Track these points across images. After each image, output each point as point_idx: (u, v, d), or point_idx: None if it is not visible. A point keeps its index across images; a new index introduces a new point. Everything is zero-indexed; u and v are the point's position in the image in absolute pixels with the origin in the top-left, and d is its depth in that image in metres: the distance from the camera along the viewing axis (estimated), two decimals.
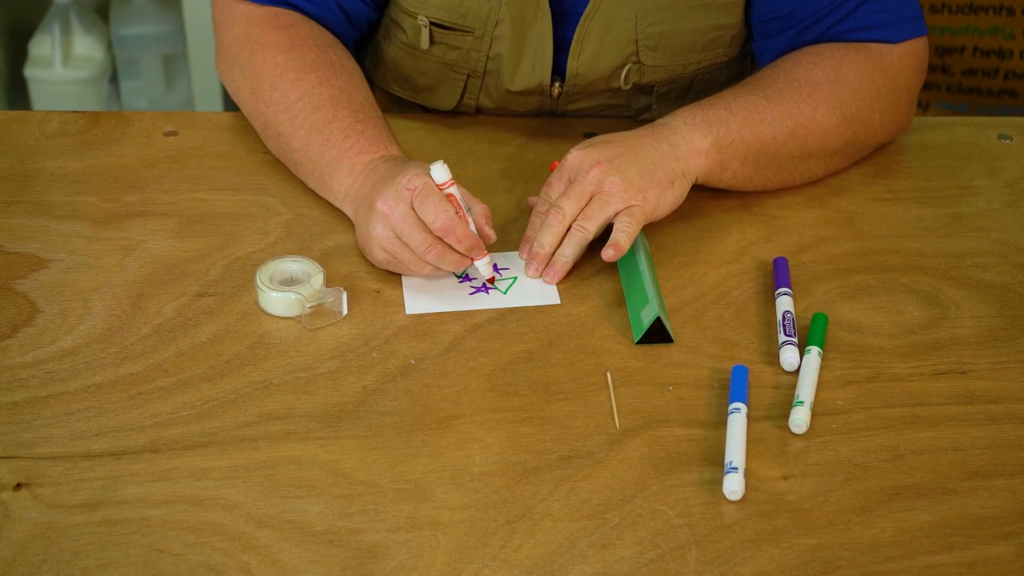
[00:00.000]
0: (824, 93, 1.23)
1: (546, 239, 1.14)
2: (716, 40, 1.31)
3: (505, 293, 1.13)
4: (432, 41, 1.31)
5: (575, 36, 1.28)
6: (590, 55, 1.29)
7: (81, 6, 2.41)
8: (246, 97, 1.26)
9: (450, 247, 1.09)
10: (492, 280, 1.13)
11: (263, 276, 1.11)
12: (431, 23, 1.29)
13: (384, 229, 1.09)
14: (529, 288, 1.14)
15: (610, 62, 1.30)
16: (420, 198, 1.07)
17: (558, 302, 1.12)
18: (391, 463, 0.97)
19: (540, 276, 1.15)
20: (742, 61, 1.38)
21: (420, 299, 1.12)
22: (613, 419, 1.01)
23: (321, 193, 1.21)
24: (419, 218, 1.08)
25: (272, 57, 1.24)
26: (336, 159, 1.18)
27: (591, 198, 1.13)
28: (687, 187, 1.17)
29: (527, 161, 1.31)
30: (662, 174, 1.15)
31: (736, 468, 0.95)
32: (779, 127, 1.21)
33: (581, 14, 1.26)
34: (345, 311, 1.10)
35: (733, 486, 0.94)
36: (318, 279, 1.10)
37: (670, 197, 1.16)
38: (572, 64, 1.30)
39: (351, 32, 1.33)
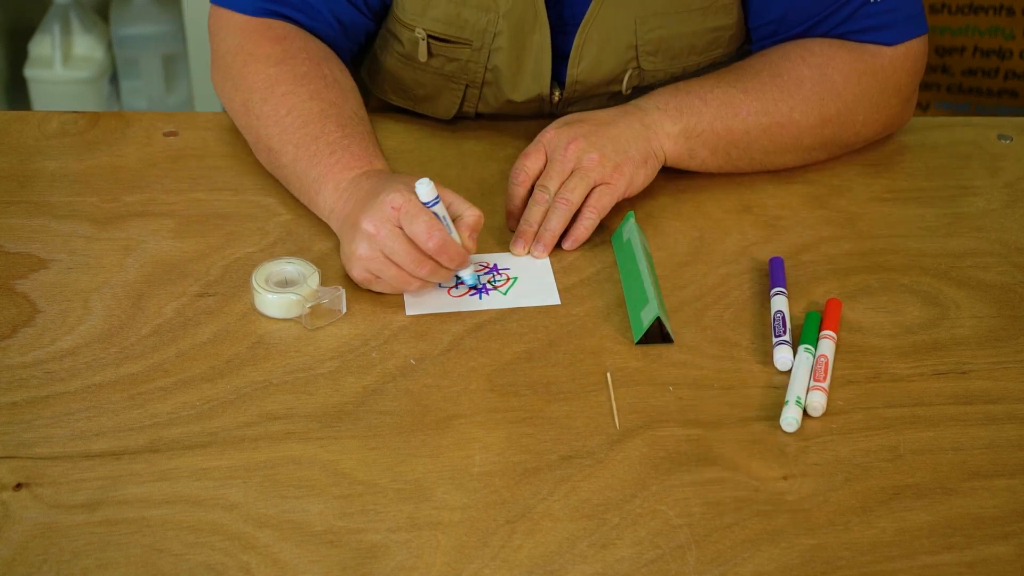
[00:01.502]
0: (806, 92, 1.24)
1: (533, 217, 1.18)
2: (714, 41, 1.31)
3: (505, 294, 1.13)
4: (430, 54, 1.30)
5: (575, 44, 1.27)
6: (590, 62, 1.29)
7: (81, 6, 2.41)
8: (237, 109, 1.25)
9: (440, 264, 1.08)
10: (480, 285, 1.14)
11: (259, 278, 1.11)
12: (429, 36, 1.29)
13: (369, 249, 1.08)
14: (529, 289, 1.14)
15: (610, 68, 1.29)
16: (408, 217, 1.06)
17: (558, 302, 1.12)
18: (391, 463, 0.97)
19: (527, 252, 1.17)
20: (739, 59, 1.37)
21: (420, 300, 1.12)
22: (613, 419, 1.01)
23: (311, 208, 1.20)
24: (407, 236, 1.07)
25: (264, 69, 1.23)
26: (322, 175, 1.17)
27: (572, 173, 1.18)
28: (658, 167, 1.23)
29: None
30: (636, 152, 1.20)
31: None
32: (752, 123, 1.24)
33: (579, 23, 1.26)
34: (344, 309, 1.10)
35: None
36: (314, 279, 1.10)
37: (643, 175, 1.21)
38: (572, 72, 1.29)
39: (347, 44, 1.32)
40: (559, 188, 1.18)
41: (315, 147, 1.18)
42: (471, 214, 1.11)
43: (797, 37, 1.29)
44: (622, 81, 1.30)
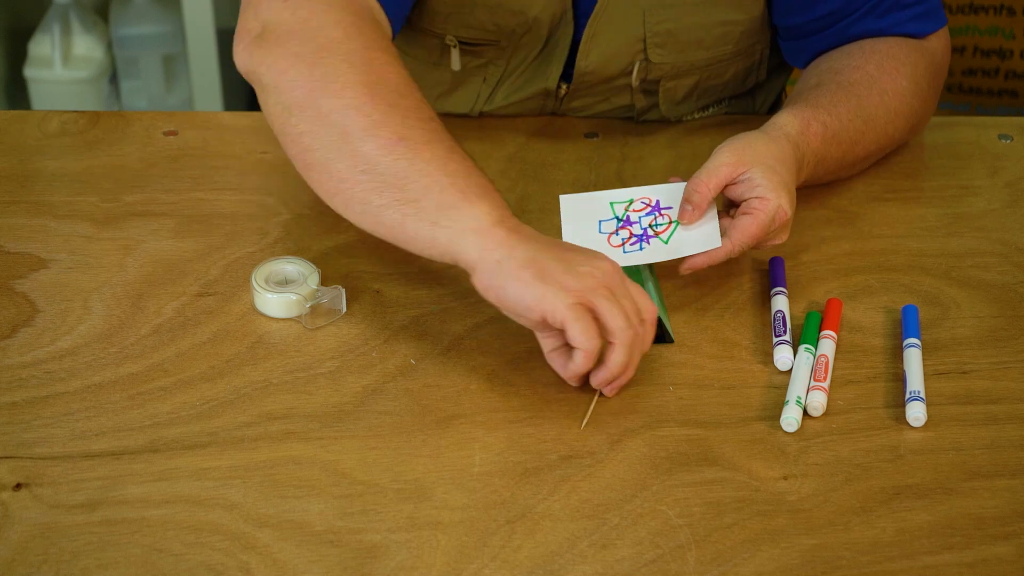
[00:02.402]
0: (906, 106, 1.25)
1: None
2: (725, 36, 1.30)
3: (667, 243, 1.09)
4: (460, 54, 1.30)
5: (584, 37, 1.27)
6: (599, 55, 1.28)
7: (81, 6, 2.41)
8: (349, 82, 1.03)
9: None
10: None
11: (259, 278, 1.11)
12: (460, 41, 1.29)
13: (589, 280, 0.96)
14: (690, 234, 1.10)
15: (619, 61, 1.29)
16: (623, 286, 0.97)
17: (719, 244, 1.09)
18: (391, 463, 0.97)
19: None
20: (750, 56, 1.36)
21: (579, 237, 1.09)
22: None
23: (413, 207, 0.99)
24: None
25: (394, 62, 1.06)
26: (483, 185, 1.00)
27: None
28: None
29: (528, 161, 1.31)
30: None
31: (922, 397, 1.01)
32: (864, 152, 1.25)
33: (590, 15, 1.26)
34: (344, 308, 1.10)
35: (918, 412, 1.00)
36: (314, 278, 1.10)
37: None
38: (580, 64, 1.29)
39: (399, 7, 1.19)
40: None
41: (467, 162, 1.02)
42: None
43: (842, 32, 1.28)
44: (631, 74, 1.30)
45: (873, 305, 1.14)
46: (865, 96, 1.22)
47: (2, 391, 1.02)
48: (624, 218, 1.12)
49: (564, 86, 1.32)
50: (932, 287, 1.16)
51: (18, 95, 2.48)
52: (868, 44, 1.27)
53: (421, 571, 0.89)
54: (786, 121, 1.16)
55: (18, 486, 0.94)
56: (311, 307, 1.09)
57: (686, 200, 1.10)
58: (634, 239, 1.11)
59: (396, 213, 1.00)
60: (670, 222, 1.11)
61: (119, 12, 2.42)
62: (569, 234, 1.11)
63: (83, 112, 1.36)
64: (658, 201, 1.12)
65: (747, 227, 1.08)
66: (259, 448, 0.98)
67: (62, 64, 2.38)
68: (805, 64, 1.33)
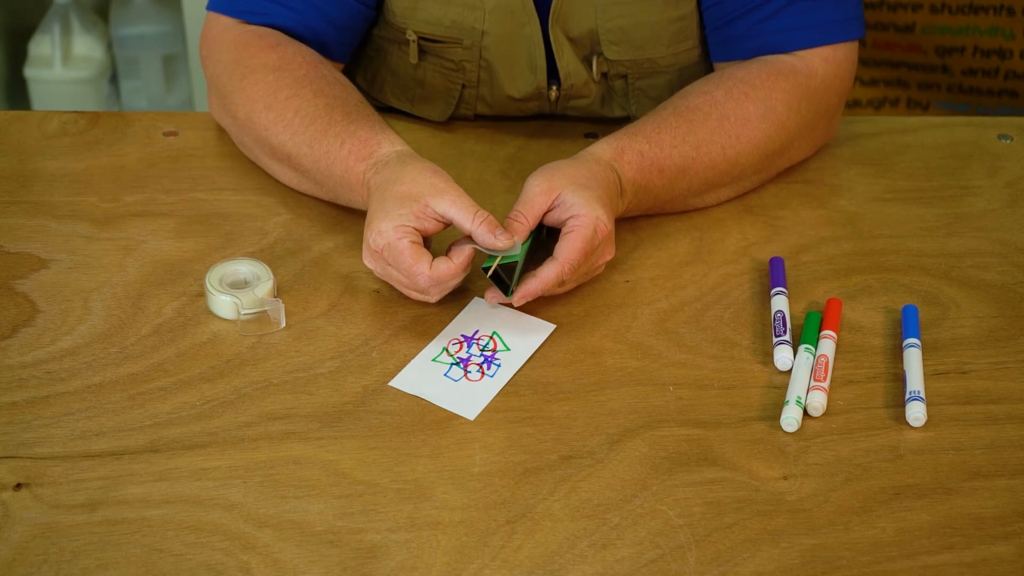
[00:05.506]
0: (752, 131, 1.21)
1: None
2: (681, 32, 1.30)
3: (509, 349, 1.07)
4: (422, 52, 1.30)
5: (551, 36, 1.27)
6: (567, 54, 1.29)
7: (81, 6, 2.41)
8: (243, 123, 1.23)
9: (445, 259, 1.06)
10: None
11: (212, 279, 1.10)
12: (420, 37, 1.29)
13: (376, 269, 1.10)
14: (517, 324, 1.09)
15: (582, 59, 1.29)
16: (392, 259, 1.06)
17: (553, 327, 1.09)
18: (391, 463, 0.97)
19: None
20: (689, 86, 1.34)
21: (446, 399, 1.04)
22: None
23: (352, 205, 1.19)
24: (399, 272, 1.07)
25: (263, 77, 1.22)
26: (343, 173, 1.15)
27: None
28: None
29: (527, 162, 1.31)
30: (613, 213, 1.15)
31: (922, 397, 1.01)
32: (699, 180, 1.21)
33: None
34: (283, 323, 1.09)
35: (918, 412, 1.00)
36: (264, 287, 1.09)
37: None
38: (560, 64, 1.29)
39: (344, 38, 1.30)
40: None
41: (327, 144, 1.16)
42: (480, 222, 1.05)
43: (735, 24, 1.27)
44: (592, 69, 1.30)
45: (873, 305, 1.14)
46: (700, 122, 1.20)
47: (2, 391, 1.02)
48: (457, 361, 1.06)
49: (555, 88, 1.32)
50: (932, 287, 1.16)
51: (18, 95, 2.48)
52: (729, 71, 1.25)
53: (421, 571, 0.89)
54: (599, 148, 1.16)
55: (18, 486, 0.94)
56: (248, 315, 1.08)
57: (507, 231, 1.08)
58: (486, 363, 1.06)
59: (333, 197, 1.20)
60: (491, 336, 1.08)
61: (119, 12, 2.42)
62: (443, 400, 1.03)
63: (83, 112, 1.36)
64: (463, 334, 1.08)
65: (572, 244, 1.07)
66: (259, 448, 0.98)
67: (62, 64, 2.38)
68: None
